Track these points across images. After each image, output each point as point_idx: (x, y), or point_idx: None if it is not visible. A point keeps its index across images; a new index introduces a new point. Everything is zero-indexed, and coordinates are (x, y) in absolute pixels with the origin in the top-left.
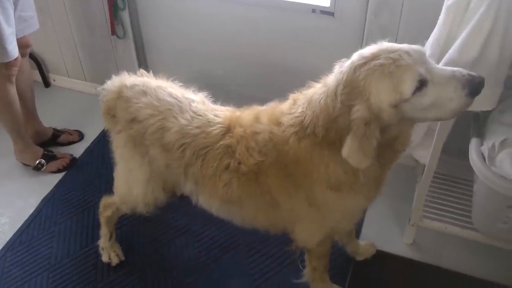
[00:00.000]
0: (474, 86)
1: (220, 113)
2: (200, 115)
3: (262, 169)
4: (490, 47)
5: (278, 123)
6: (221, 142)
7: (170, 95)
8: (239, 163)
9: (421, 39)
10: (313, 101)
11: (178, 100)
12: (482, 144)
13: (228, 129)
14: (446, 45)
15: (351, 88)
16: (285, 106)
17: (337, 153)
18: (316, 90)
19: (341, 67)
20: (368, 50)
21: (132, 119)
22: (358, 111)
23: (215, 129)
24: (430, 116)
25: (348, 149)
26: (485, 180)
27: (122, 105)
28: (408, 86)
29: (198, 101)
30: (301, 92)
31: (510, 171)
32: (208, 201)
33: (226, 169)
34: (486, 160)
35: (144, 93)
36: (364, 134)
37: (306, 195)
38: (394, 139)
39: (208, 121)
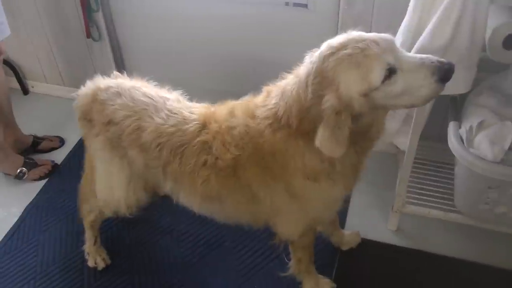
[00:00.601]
0: (443, 73)
1: (195, 110)
2: (175, 113)
3: (240, 163)
4: (460, 31)
5: (253, 116)
6: (198, 139)
7: (145, 95)
8: (216, 158)
9: (395, 27)
10: (286, 92)
11: (153, 100)
12: (460, 127)
13: (203, 126)
14: (417, 32)
15: (321, 78)
16: (259, 99)
17: (312, 143)
18: (289, 81)
19: (311, 57)
20: (336, 40)
21: (108, 121)
22: (328, 101)
23: (191, 127)
24: (402, 103)
25: (321, 138)
26: (465, 163)
27: (98, 108)
28: (376, 75)
29: (173, 99)
30: (274, 84)
31: (488, 152)
32: (188, 198)
33: (203, 166)
34: (465, 142)
35: (118, 94)
36: (336, 123)
37: (285, 187)
38: (368, 127)
39: (184, 119)
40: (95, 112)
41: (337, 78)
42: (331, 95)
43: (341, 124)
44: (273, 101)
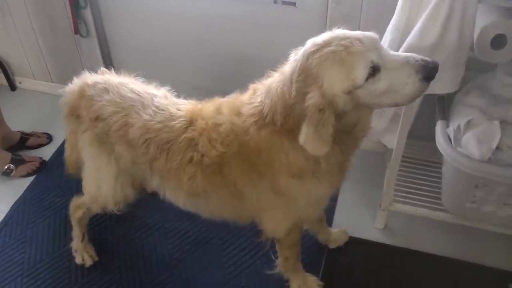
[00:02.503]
0: (427, 71)
1: (182, 106)
2: (162, 110)
3: (225, 160)
4: (449, 30)
5: (239, 114)
6: (184, 136)
7: (132, 91)
8: (202, 155)
9: (383, 25)
10: (271, 89)
11: (140, 96)
12: (448, 126)
13: (190, 122)
14: (406, 31)
15: (305, 75)
16: (245, 96)
17: (297, 140)
18: (274, 79)
19: (296, 55)
20: (321, 37)
21: (96, 117)
22: (312, 98)
23: (178, 123)
24: (386, 102)
25: (304, 136)
26: (452, 161)
27: (85, 104)
28: (360, 73)
29: (161, 95)
30: (260, 82)
31: (476, 151)
32: (174, 195)
33: (189, 162)
34: (452, 141)
35: (106, 90)
36: (319, 121)
37: (270, 184)
38: (353, 125)
39: (171, 115)
40: (83, 108)
41: (321, 75)
42: (315, 92)
43: (324, 121)
44: (259, 99)
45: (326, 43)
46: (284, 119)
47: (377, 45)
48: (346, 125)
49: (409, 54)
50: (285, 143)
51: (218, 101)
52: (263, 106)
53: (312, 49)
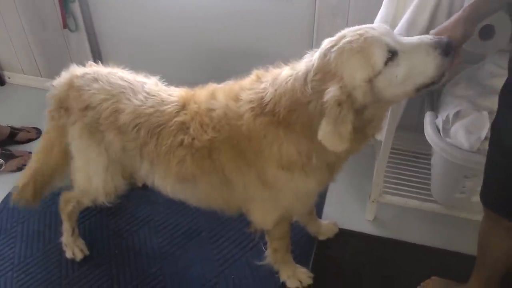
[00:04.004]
0: (444, 45)
1: (174, 93)
2: (153, 95)
3: (215, 146)
4: (436, 21)
5: (237, 99)
6: (175, 119)
7: (122, 79)
8: (193, 138)
9: (371, 17)
10: (279, 80)
11: (130, 83)
12: (436, 117)
13: (182, 107)
14: (394, 22)
15: (323, 73)
16: (246, 81)
17: (293, 134)
18: (285, 72)
19: (312, 55)
20: (335, 35)
21: (86, 106)
22: (330, 92)
23: (169, 108)
24: (408, 89)
25: (323, 132)
26: (441, 152)
27: (74, 95)
28: (378, 57)
29: (151, 83)
30: (266, 69)
31: (464, 141)
32: (162, 181)
33: (180, 146)
34: (441, 132)
35: (95, 80)
36: (338, 115)
37: (258, 174)
38: (368, 122)
39: (162, 100)
40: (72, 99)
41: (341, 68)
42: (334, 87)
43: (344, 117)
44: (262, 86)
45: (341, 37)
46: (287, 113)
47: (390, 32)
48: (361, 122)
49: (421, 36)
50: (280, 134)
51: (212, 86)
52: (265, 94)
53: (329, 45)
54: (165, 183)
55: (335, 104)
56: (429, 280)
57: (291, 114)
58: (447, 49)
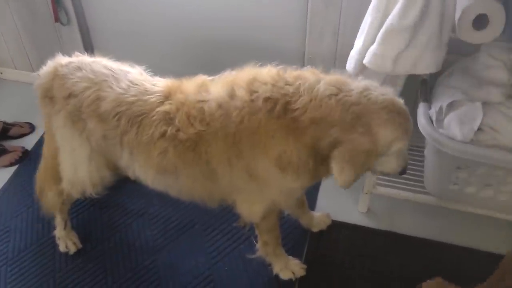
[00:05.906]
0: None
1: (159, 83)
2: (137, 84)
3: (203, 139)
4: (430, 11)
5: (250, 90)
6: (158, 109)
7: (106, 67)
8: (178, 130)
9: (365, 8)
10: (319, 93)
11: (113, 72)
12: (430, 108)
13: (167, 97)
14: (386, 12)
15: (359, 115)
16: (265, 75)
17: (301, 144)
18: (322, 85)
19: (359, 81)
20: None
21: (69, 94)
22: (365, 144)
23: (153, 97)
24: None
25: (344, 176)
26: (434, 142)
27: (58, 83)
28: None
29: (136, 72)
30: (292, 69)
31: (458, 132)
32: (143, 170)
33: (162, 137)
34: (434, 123)
35: (79, 68)
36: (364, 163)
37: (247, 166)
38: None
39: (146, 90)
40: (55, 88)
41: (376, 127)
42: (367, 139)
43: (364, 165)
44: (291, 90)
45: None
46: (309, 125)
47: None
48: None
49: None
50: (290, 141)
51: (202, 78)
52: (295, 99)
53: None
54: (146, 174)
55: (365, 154)
56: (431, 281)
57: (312, 127)
58: None
